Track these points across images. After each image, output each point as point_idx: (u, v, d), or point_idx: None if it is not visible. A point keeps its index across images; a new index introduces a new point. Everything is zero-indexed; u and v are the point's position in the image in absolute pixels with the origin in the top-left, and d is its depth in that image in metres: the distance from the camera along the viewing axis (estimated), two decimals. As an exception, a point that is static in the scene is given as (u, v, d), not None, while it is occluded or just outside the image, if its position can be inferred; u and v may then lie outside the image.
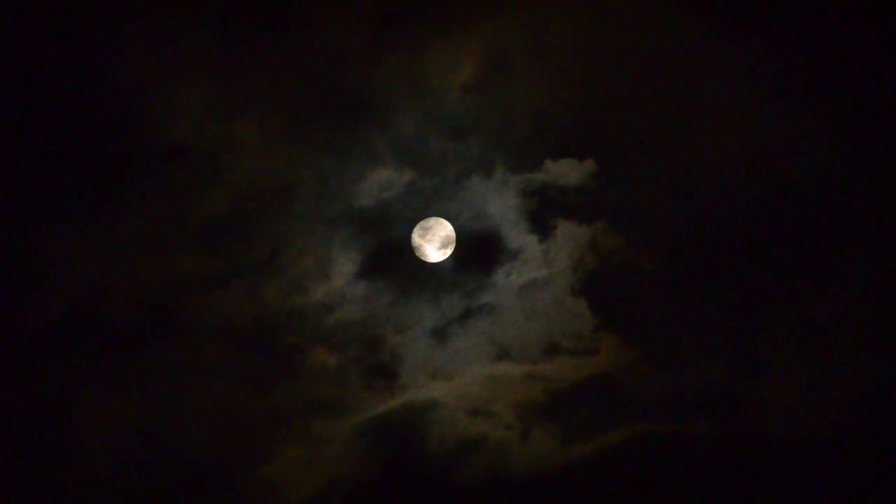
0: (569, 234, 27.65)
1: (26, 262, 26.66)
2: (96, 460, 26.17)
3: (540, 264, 27.61)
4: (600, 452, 26.33)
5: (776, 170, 27.53)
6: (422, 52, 27.60)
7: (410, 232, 27.73)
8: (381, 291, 27.60)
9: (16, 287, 26.62)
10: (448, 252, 27.74)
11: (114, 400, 26.50)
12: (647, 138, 27.81)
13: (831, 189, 27.35)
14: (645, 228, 27.58)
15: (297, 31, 27.51)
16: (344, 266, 27.62)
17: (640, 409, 26.79)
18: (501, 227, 27.82)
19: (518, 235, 27.75)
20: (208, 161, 27.37)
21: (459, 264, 27.83)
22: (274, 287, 27.35)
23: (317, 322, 27.37)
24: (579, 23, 27.81)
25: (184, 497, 26.15)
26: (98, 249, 26.94)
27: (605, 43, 27.90)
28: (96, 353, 26.62)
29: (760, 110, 27.74)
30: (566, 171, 27.67)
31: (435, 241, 27.75)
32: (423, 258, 27.77)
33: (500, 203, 27.81)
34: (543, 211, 27.75)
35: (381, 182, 27.75)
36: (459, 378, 27.32)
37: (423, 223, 27.78)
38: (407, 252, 27.74)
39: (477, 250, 27.84)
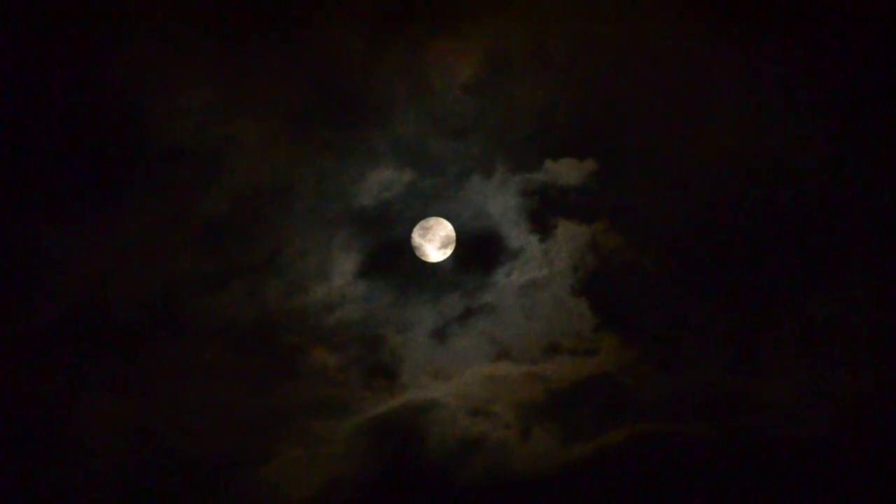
0: (569, 234, 27.67)
1: (26, 261, 26.69)
2: (96, 460, 26.19)
3: (540, 264, 27.63)
4: (600, 452, 26.34)
5: (777, 170, 27.52)
6: (422, 52, 27.64)
7: (410, 232, 27.75)
8: (381, 291, 27.64)
9: (16, 287, 26.63)
10: (448, 252, 27.77)
11: (114, 400, 26.53)
12: (647, 138, 27.82)
13: (832, 189, 27.34)
14: (645, 228, 27.61)
15: (297, 31, 27.52)
16: (344, 266, 27.66)
17: (640, 409, 26.82)
18: (502, 226, 27.85)
19: (518, 235, 27.77)
20: (208, 161, 27.41)
21: (459, 264, 27.87)
22: (274, 287, 27.39)
23: (317, 322, 27.41)
24: (580, 23, 27.83)
25: (184, 497, 26.17)
26: (98, 249, 26.99)
27: (605, 43, 27.92)
28: (96, 353, 26.65)
29: (761, 110, 27.74)
30: (566, 171, 27.68)
31: (435, 241, 27.77)
32: (423, 258, 27.80)
33: (501, 203, 27.83)
34: (544, 211, 27.78)
35: (381, 182, 27.77)
36: (459, 378, 27.34)
37: (423, 223, 27.80)
38: (407, 252, 27.77)
39: (477, 250, 27.88)
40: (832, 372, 26.53)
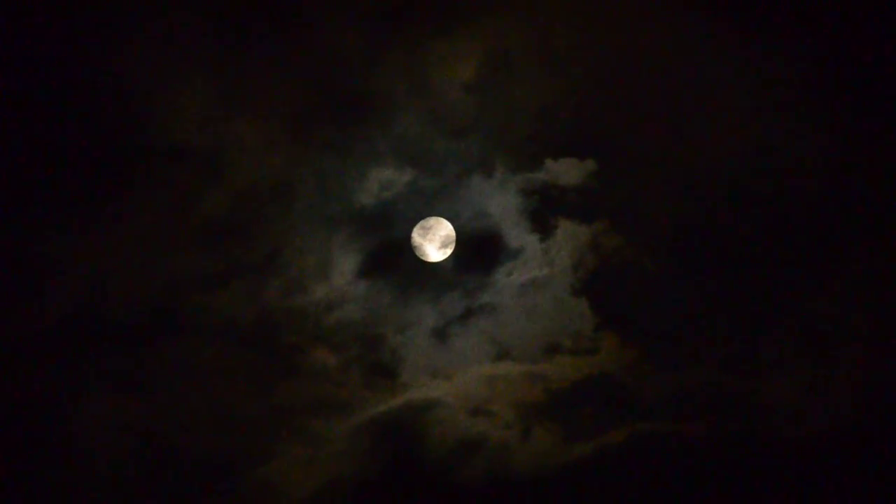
0: (569, 234, 27.68)
1: (26, 261, 26.66)
2: (97, 460, 26.17)
3: (540, 264, 27.64)
4: (601, 452, 26.35)
5: (777, 170, 27.54)
6: (423, 52, 27.65)
7: (411, 231, 27.74)
8: (381, 291, 27.63)
9: (16, 287, 26.61)
10: (448, 252, 27.77)
11: (114, 400, 26.51)
12: (648, 138, 27.83)
13: (832, 189, 27.36)
14: (646, 228, 27.62)
15: (297, 31, 27.53)
16: (344, 265, 27.65)
17: (640, 408, 26.84)
18: (502, 226, 27.85)
19: (518, 235, 27.78)
20: (209, 160, 27.38)
21: (460, 264, 27.87)
22: (274, 286, 27.39)
23: (317, 321, 27.40)
24: (581, 22, 27.84)
25: (184, 497, 26.16)
26: (98, 249, 26.95)
27: (606, 43, 27.93)
28: (97, 353, 26.62)
29: (761, 110, 27.75)
30: (567, 171, 27.69)
31: (435, 241, 27.76)
32: (423, 258, 27.79)
33: (501, 202, 27.84)
34: (544, 210, 27.79)
35: (381, 181, 27.76)
36: (460, 377, 27.35)
37: (423, 223, 27.80)
38: (407, 252, 27.76)
39: (477, 250, 27.87)
40: (833, 371, 26.56)
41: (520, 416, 26.96)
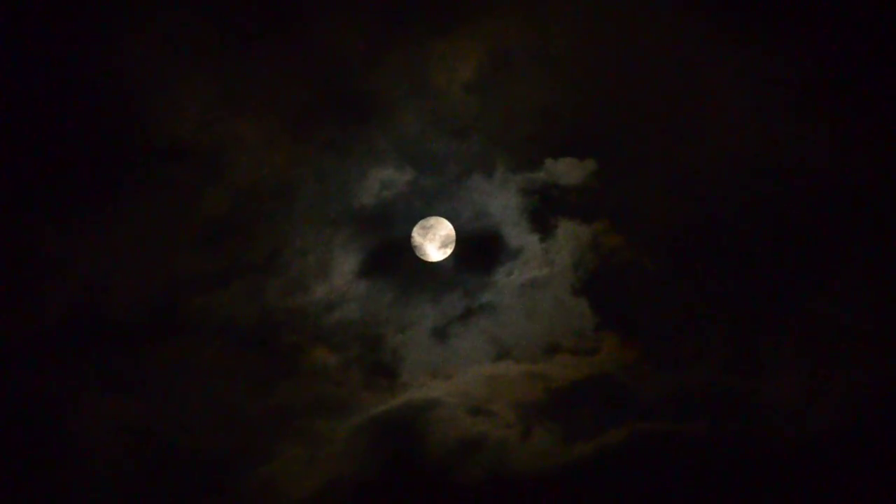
0: (570, 234, 27.68)
1: (26, 261, 26.63)
2: (96, 460, 26.16)
3: (541, 263, 27.64)
4: (601, 451, 26.37)
5: (777, 169, 27.55)
6: (423, 51, 27.62)
7: (411, 231, 27.73)
8: (381, 290, 27.63)
9: (16, 286, 26.58)
10: (448, 251, 27.77)
11: (114, 400, 26.49)
12: (648, 138, 27.84)
13: (832, 188, 27.37)
14: (646, 228, 27.62)
15: (298, 30, 27.48)
16: (345, 265, 27.64)
17: (640, 408, 26.86)
18: (502, 226, 27.85)
19: (519, 234, 27.78)
20: (209, 160, 27.35)
21: (460, 263, 27.87)
22: (274, 286, 27.38)
23: (317, 321, 27.39)
24: (581, 22, 27.83)
25: (184, 497, 26.15)
26: (98, 249, 26.93)
27: (606, 42, 27.92)
28: (97, 353, 26.61)
29: (762, 110, 27.76)
30: (567, 171, 27.69)
31: (435, 241, 27.76)
32: (423, 257, 27.79)
33: (501, 202, 27.84)
34: (544, 210, 27.79)
35: (382, 181, 27.74)
36: (460, 377, 27.36)
37: (423, 222, 27.79)
38: (407, 251, 27.75)
39: (478, 249, 27.87)
40: (832, 372, 26.59)
41: (520, 415, 26.98)
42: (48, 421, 26.15)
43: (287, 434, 26.71)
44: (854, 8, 27.53)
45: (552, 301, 27.43)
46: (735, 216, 27.49)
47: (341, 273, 27.58)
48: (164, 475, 26.26)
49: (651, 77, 27.81)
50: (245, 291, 27.22)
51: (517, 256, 27.69)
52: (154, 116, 27.13)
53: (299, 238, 27.53)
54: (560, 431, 26.75)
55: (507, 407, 27.06)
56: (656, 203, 27.62)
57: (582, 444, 26.50)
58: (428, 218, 27.79)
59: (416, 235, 27.72)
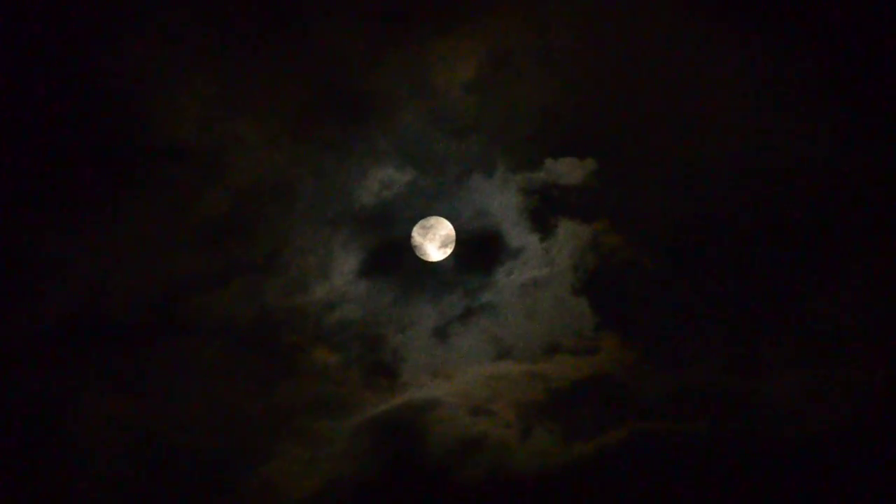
0: (570, 233, 27.68)
1: (27, 261, 26.61)
2: (96, 460, 26.14)
3: (541, 263, 27.64)
4: (601, 451, 26.37)
5: (777, 169, 27.55)
6: (424, 51, 27.60)
7: (411, 231, 27.72)
8: (381, 290, 27.62)
9: (16, 287, 26.56)
10: (448, 251, 27.76)
11: (114, 399, 26.48)
12: (648, 137, 27.84)
13: (832, 188, 27.38)
14: (646, 227, 27.62)
15: (299, 30, 27.45)
16: (345, 265, 27.63)
17: (640, 408, 26.85)
18: (502, 225, 27.85)
19: (519, 234, 27.78)
20: (209, 160, 27.36)
21: (460, 263, 27.87)
22: (274, 286, 27.37)
23: (317, 321, 27.39)
24: (581, 22, 27.82)
25: (184, 496, 26.14)
26: (99, 249, 26.91)
27: (606, 42, 27.91)
28: (96, 353, 26.60)
29: (762, 110, 27.77)
30: (567, 170, 27.69)
31: (435, 241, 27.74)
32: (423, 257, 27.78)
33: (501, 202, 27.84)
34: (544, 210, 27.79)
35: (382, 181, 27.73)
36: (460, 377, 27.36)
37: (423, 222, 27.79)
38: (408, 251, 27.75)
39: (478, 249, 27.88)
40: (833, 371, 26.60)
41: (520, 415, 26.99)
42: (48, 421, 26.14)
43: (287, 434, 26.72)
44: (854, 7, 27.51)
45: (552, 301, 27.45)
46: (735, 216, 27.51)
47: (341, 273, 27.60)
48: (163, 475, 26.24)
49: (651, 77, 27.84)
50: (245, 291, 27.23)
51: (517, 256, 27.71)
52: (154, 116, 27.15)
53: (299, 238, 27.56)
54: (560, 431, 26.77)
55: (507, 407, 27.08)
56: (656, 203, 27.64)
57: (582, 444, 26.51)
58: (428, 218, 27.79)
59: (416, 235, 27.72)
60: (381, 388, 27.22)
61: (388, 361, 27.36)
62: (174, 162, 27.11)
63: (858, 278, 27.02)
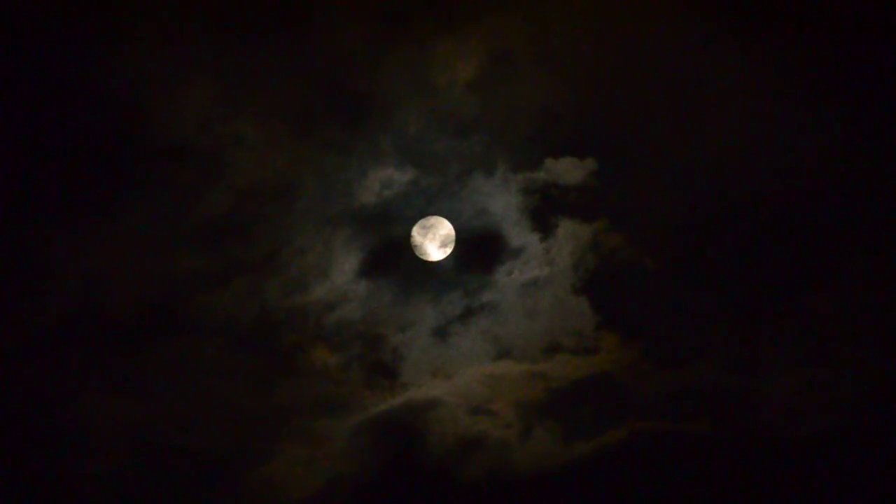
0: (570, 233, 27.68)
1: (27, 261, 26.61)
2: (96, 460, 26.15)
3: (541, 263, 27.65)
4: (601, 451, 26.39)
5: (777, 168, 27.57)
6: (424, 51, 27.58)
7: (411, 230, 27.72)
8: (382, 290, 27.62)
9: (17, 286, 26.56)
10: (448, 251, 27.76)
11: (114, 399, 26.49)
12: (648, 137, 27.85)
13: (832, 187, 27.39)
14: (646, 227, 27.63)
15: (300, 29, 27.41)
16: (345, 264, 27.63)
17: (640, 407, 26.89)
18: (503, 225, 27.85)
19: (519, 234, 27.78)
20: (210, 159, 27.34)
21: (460, 263, 27.87)
22: (275, 285, 27.36)
23: (317, 320, 27.39)
24: (582, 22, 27.80)
25: (184, 496, 26.15)
26: (99, 248, 26.91)
27: (607, 42, 27.89)
28: (97, 353, 26.62)
29: (761, 109, 27.76)
30: (567, 170, 27.69)
31: (435, 240, 27.74)
32: (423, 257, 27.78)
33: (502, 201, 27.83)
34: (545, 209, 27.79)
35: (382, 180, 27.73)
36: (460, 376, 27.38)
37: (423, 222, 27.78)
38: (408, 251, 27.74)
39: (478, 249, 27.87)
40: (833, 370, 26.62)
41: (520, 415, 27.00)
42: (48, 420, 26.14)
43: (287, 433, 26.73)
44: (854, 7, 27.50)
45: (552, 300, 27.46)
46: (735, 216, 27.51)
47: (341, 272, 27.60)
48: (163, 474, 26.25)
49: (651, 77, 27.83)
50: (245, 291, 27.23)
51: (517, 256, 27.72)
52: (154, 116, 27.14)
53: (299, 237, 27.54)
54: (560, 431, 26.79)
55: (507, 406, 27.09)
56: (656, 202, 27.66)
57: (582, 444, 26.54)
58: (428, 217, 27.79)
59: (417, 235, 27.72)
60: (380, 388, 27.26)
61: (388, 361, 27.39)
62: (174, 162, 27.14)
63: (859, 278, 27.04)
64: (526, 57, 27.78)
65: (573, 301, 27.42)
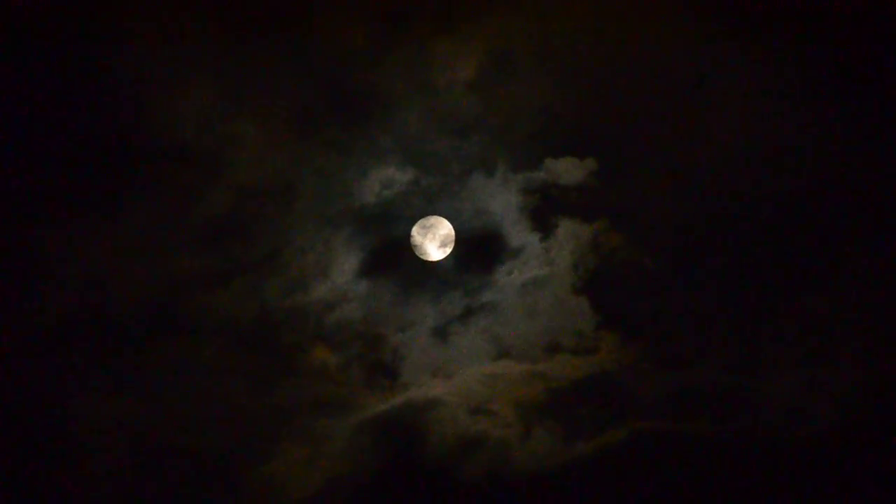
0: (570, 233, 27.68)
1: (28, 260, 26.60)
2: (96, 460, 26.14)
3: (541, 263, 27.64)
4: (601, 451, 26.39)
5: (777, 167, 27.57)
6: (425, 51, 27.56)
7: (411, 230, 27.72)
8: (382, 290, 27.62)
9: (17, 286, 26.55)
10: (448, 250, 27.76)
11: (114, 399, 26.48)
12: (648, 137, 27.85)
13: (832, 186, 27.39)
14: (646, 227, 27.64)
15: (300, 29, 27.40)
16: (345, 264, 27.63)
17: (640, 407, 26.88)
18: (503, 225, 27.85)
19: (519, 234, 27.78)
20: (210, 159, 27.33)
21: (460, 263, 27.87)
22: (275, 285, 27.35)
23: (318, 320, 27.39)
24: (582, 21, 27.78)
25: (185, 496, 26.15)
26: (99, 248, 26.89)
27: (607, 41, 27.88)
28: (97, 353, 26.61)
29: (761, 109, 27.75)
30: (567, 170, 27.69)
31: (435, 240, 27.74)
32: (423, 256, 27.78)
33: (502, 201, 27.84)
34: (545, 209, 27.80)
35: (383, 180, 27.73)
36: (460, 376, 27.37)
37: (422, 221, 27.78)
38: (408, 251, 27.74)
39: (478, 249, 27.88)
40: (833, 369, 26.62)
41: (520, 415, 27.00)
42: (48, 420, 26.13)
43: (287, 433, 26.73)
44: (854, 7, 27.49)
45: (552, 300, 27.46)
46: (735, 215, 27.51)
47: (341, 272, 27.60)
48: (163, 474, 26.25)
49: (651, 76, 27.83)
50: (245, 291, 27.22)
51: (517, 256, 27.71)
52: (155, 116, 27.13)
53: (300, 237, 27.54)
54: (560, 431, 26.79)
55: (508, 406, 27.08)
56: (656, 202, 27.66)
57: (582, 444, 26.54)
58: (428, 217, 27.78)
59: (416, 235, 27.71)
60: (381, 388, 27.26)
61: (388, 361, 27.39)
62: (175, 162, 27.12)
63: (859, 278, 27.05)
64: (526, 57, 27.83)
65: (573, 301, 27.44)
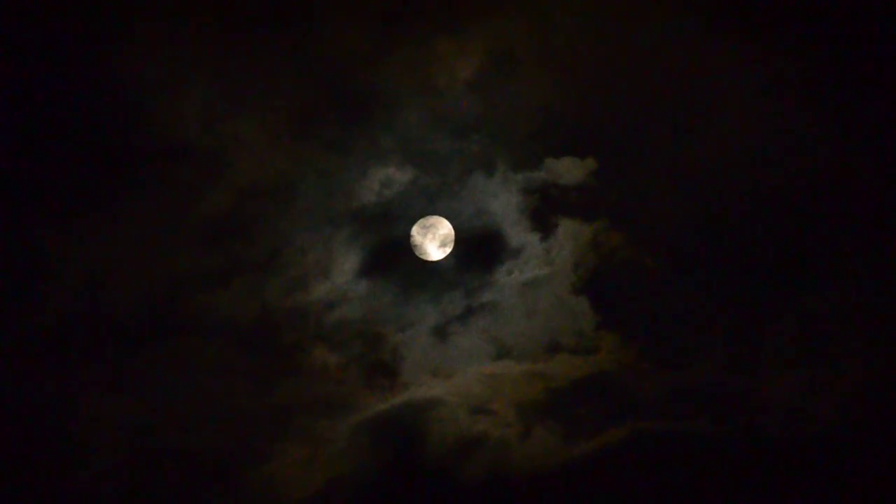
0: (570, 233, 27.69)
1: (27, 260, 26.60)
2: (96, 459, 26.14)
3: (541, 262, 27.65)
4: (601, 451, 26.40)
5: (777, 167, 27.58)
6: (425, 51, 27.58)
7: (411, 230, 27.72)
8: (382, 289, 27.62)
9: (17, 285, 26.55)
10: (448, 250, 27.77)
11: (114, 399, 26.48)
12: (648, 136, 27.86)
13: (832, 186, 27.40)
14: (646, 226, 27.65)
15: (301, 29, 27.42)
16: (345, 264, 27.62)
17: (640, 407, 26.89)
18: (503, 225, 27.85)
19: (519, 234, 27.78)
20: (211, 159, 27.33)
21: (460, 263, 27.87)
22: (275, 285, 27.36)
23: (318, 320, 27.40)
24: (582, 21, 27.81)
25: (185, 496, 26.15)
26: (100, 247, 26.90)
27: (607, 41, 27.90)
28: (96, 352, 26.60)
29: (761, 108, 27.77)
30: (567, 170, 27.69)
31: (435, 240, 27.75)
32: (423, 256, 27.78)
33: (502, 201, 27.83)
34: (545, 209, 27.80)
35: (383, 180, 27.73)
36: (460, 376, 27.38)
37: (422, 221, 27.78)
38: (408, 250, 27.75)
39: (478, 248, 27.89)
40: (833, 369, 26.64)
41: (520, 414, 27.01)
42: (48, 421, 26.13)
43: (287, 433, 26.74)
44: (854, 7, 27.51)
45: (552, 300, 27.46)
46: (735, 215, 27.53)
47: (342, 272, 27.59)
48: (164, 474, 26.25)
49: (652, 76, 27.84)
50: (245, 290, 27.22)
51: (517, 255, 27.72)
52: (155, 116, 27.12)
53: (300, 237, 27.55)
54: (560, 430, 26.80)
55: (508, 406, 27.10)
56: (656, 202, 27.67)
57: (582, 443, 26.56)
58: (428, 217, 27.79)
59: (416, 235, 27.72)
60: (381, 388, 27.26)
61: (388, 360, 27.39)
62: (175, 162, 27.12)
63: (858, 278, 27.06)
64: (526, 57, 27.83)
65: (573, 301, 27.45)
